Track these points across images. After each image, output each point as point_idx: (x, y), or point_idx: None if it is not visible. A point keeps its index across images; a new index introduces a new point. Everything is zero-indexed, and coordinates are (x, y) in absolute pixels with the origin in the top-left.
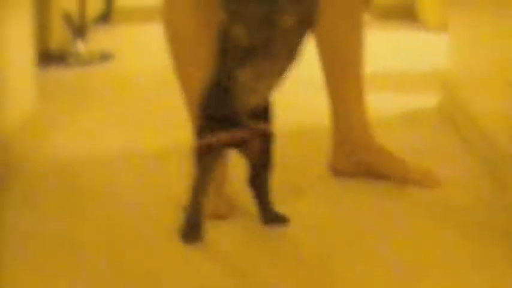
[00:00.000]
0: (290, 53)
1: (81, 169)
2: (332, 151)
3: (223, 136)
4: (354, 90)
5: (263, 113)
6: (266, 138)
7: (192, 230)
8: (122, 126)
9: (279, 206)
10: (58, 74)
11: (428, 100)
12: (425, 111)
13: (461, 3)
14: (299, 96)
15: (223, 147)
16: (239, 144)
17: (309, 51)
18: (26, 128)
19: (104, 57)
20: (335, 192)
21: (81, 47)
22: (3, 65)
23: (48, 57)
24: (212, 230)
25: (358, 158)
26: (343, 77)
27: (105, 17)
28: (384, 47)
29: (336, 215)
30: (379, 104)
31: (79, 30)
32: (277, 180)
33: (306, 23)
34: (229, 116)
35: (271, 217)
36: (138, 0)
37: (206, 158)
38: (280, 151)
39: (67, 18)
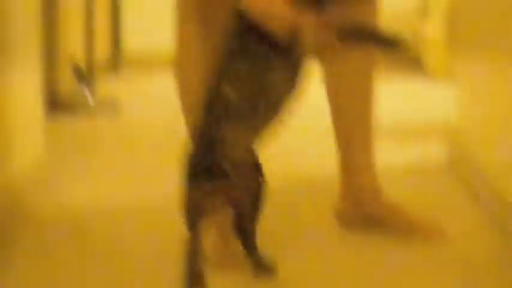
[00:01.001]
0: (276, 108)
1: (88, 220)
2: (339, 200)
3: (208, 188)
4: (364, 140)
5: (250, 165)
6: (254, 188)
7: (194, 282)
8: (129, 177)
9: (283, 255)
10: (66, 123)
11: (436, 151)
12: (433, 162)
13: (467, 52)
14: (305, 143)
15: (210, 199)
16: (224, 196)
17: (315, 98)
18: (34, 178)
19: (112, 106)
20: (340, 243)
21: (89, 96)
22: (12, 114)
23: (57, 106)
24: (218, 280)
25: (366, 209)
26: (354, 126)
27: (113, 65)
28: (391, 97)
29: (340, 268)
30: (387, 155)
31: (87, 79)
32: (282, 229)
33: (294, 81)
34: (214, 169)
35: (257, 265)
36: (146, 48)
37: (195, 211)
38: (286, 199)
39: (75, 67)
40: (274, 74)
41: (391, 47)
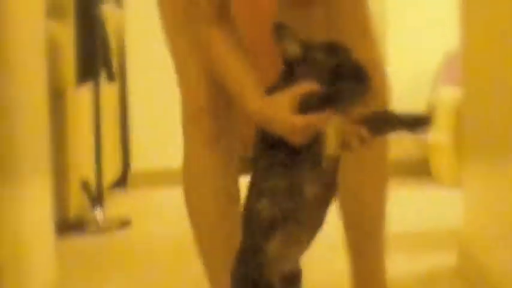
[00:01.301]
0: (316, 219)
1: None
2: None
3: None
4: (377, 251)
5: (295, 278)
6: None
7: None
8: None
9: None
10: (77, 242)
11: (445, 259)
12: (441, 271)
13: (474, 159)
14: (316, 257)
15: None
16: None
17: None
18: None
19: (122, 223)
20: None
21: (99, 214)
22: (23, 235)
23: (67, 225)
24: None
25: None
26: (367, 238)
27: (122, 182)
28: (398, 204)
29: None
30: (395, 264)
31: (97, 197)
32: None
33: (329, 190)
34: (262, 285)
35: None
36: (154, 165)
37: None
38: None
39: (85, 186)
40: (308, 183)
41: (417, 126)
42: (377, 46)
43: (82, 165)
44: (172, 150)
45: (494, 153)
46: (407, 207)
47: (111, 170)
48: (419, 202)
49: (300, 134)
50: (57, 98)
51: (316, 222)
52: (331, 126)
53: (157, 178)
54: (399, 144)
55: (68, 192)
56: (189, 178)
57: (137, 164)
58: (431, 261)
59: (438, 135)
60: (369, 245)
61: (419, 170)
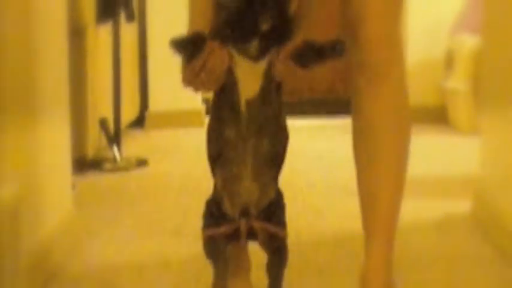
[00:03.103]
0: (251, 156)
1: (117, 276)
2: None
3: (218, 230)
4: (392, 197)
5: (266, 214)
6: (272, 238)
7: None
8: (157, 232)
9: None
10: (94, 180)
11: (461, 205)
12: (457, 216)
13: (493, 106)
14: (331, 201)
15: (224, 239)
16: (237, 238)
17: (341, 157)
18: (63, 235)
19: (139, 163)
20: None
21: (116, 153)
22: (41, 172)
23: (84, 163)
24: None
25: None
26: (383, 179)
27: (140, 122)
28: (415, 151)
29: None
30: (411, 209)
31: (114, 136)
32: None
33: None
34: (220, 213)
35: None
36: (171, 106)
37: (212, 248)
38: (314, 257)
39: (103, 124)
40: (227, 127)
41: (335, 52)
42: (398, 22)
43: (100, 104)
44: (189, 92)
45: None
46: (424, 154)
47: (129, 110)
48: (437, 149)
49: (193, 82)
50: (76, 37)
51: (253, 160)
52: (240, 70)
53: (175, 119)
54: (417, 91)
55: (86, 130)
56: None
57: (155, 104)
58: (447, 206)
59: (456, 82)
60: (383, 187)
61: (437, 117)
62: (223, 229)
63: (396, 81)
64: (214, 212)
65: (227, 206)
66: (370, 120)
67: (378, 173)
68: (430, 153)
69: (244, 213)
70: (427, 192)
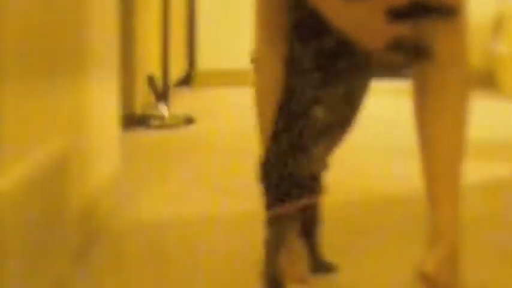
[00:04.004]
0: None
1: (163, 232)
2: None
3: (291, 207)
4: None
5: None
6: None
7: (272, 286)
8: (204, 189)
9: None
10: (141, 136)
11: (507, 168)
12: (503, 179)
13: None
14: (372, 162)
15: (293, 216)
16: (305, 212)
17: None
18: (110, 190)
19: (187, 120)
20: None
21: (164, 110)
22: (90, 127)
23: (132, 120)
24: None
25: None
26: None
27: (187, 80)
28: None
29: (397, 278)
30: None
31: (162, 93)
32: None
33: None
34: (296, 186)
35: (319, 266)
36: (219, 65)
37: (278, 225)
38: (361, 219)
39: (151, 81)
40: (361, 91)
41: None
42: None
43: (149, 60)
44: (237, 51)
45: None
46: (471, 118)
47: (177, 68)
48: (483, 112)
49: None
50: None
51: (353, 123)
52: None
53: (222, 78)
54: None
55: (134, 86)
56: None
57: (203, 62)
58: (493, 169)
59: (505, 47)
60: (443, 149)
61: (484, 80)
62: (295, 206)
63: (463, 27)
64: (282, 186)
65: (306, 178)
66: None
67: (445, 127)
68: (476, 117)
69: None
70: (473, 155)
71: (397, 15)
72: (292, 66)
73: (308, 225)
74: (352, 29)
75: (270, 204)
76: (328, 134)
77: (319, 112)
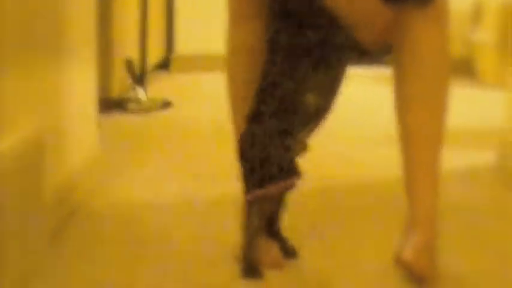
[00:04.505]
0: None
1: (139, 215)
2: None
3: (273, 189)
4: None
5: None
6: None
7: (251, 269)
8: (180, 173)
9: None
10: (118, 120)
11: (485, 157)
12: (481, 168)
13: None
14: (361, 150)
15: (273, 198)
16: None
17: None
18: (87, 173)
19: (164, 104)
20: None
21: (141, 94)
22: (67, 110)
23: (109, 103)
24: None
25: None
26: (422, 150)
27: (165, 64)
28: None
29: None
30: None
31: (140, 77)
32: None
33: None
34: (279, 169)
35: (287, 250)
36: (197, 50)
37: (259, 208)
38: (342, 203)
39: (129, 65)
40: (343, 77)
41: None
42: None
43: (126, 44)
44: (216, 36)
45: None
46: (451, 106)
47: (155, 52)
48: (462, 100)
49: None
50: None
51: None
52: None
53: (200, 63)
54: None
55: (112, 70)
56: (232, 56)
57: (181, 47)
58: (473, 159)
59: (483, 35)
60: (429, 126)
61: (463, 69)
62: (277, 187)
63: (442, 16)
64: (265, 168)
65: (291, 161)
66: (417, 48)
67: (425, 110)
68: (455, 106)
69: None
70: (452, 144)
71: None
72: (273, 47)
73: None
74: (348, 12)
75: (251, 186)
76: (315, 119)
77: (310, 98)
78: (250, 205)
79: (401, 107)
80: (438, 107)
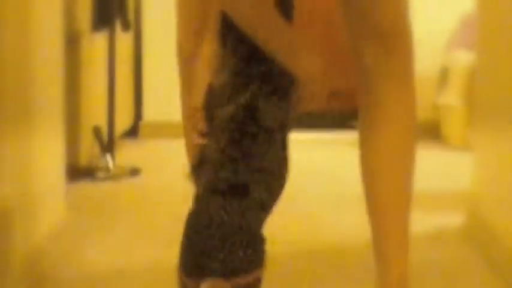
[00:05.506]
0: None
1: (107, 283)
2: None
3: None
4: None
5: None
6: None
7: None
8: (149, 241)
9: None
10: (87, 188)
11: (453, 219)
12: (449, 230)
13: (485, 123)
14: (330, 213)
15: None
16: None
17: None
18: (55, 241)
19: (132, 172)
20: None
21: (110, 161)
22: (35, 178)
23: (77, 171)
24: None
25: None
26: (390, 211)
27: (133, 131)
28: None
29: None
30: None
31: (108, 145)
32: None
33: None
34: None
35: None
36: (165, 116)
37: None
38: (308, 267)
39: (96, 132)
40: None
41: None
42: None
43: (94, 112)
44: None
45: (504, 117)
46: (417, 168)
47: (123, 119)
48: (430, 163)
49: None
50: (72, 45)
51: None
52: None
53: (169, 130)
54: None
55: (80, 138)
56: None
57: (149, 114)
58: (440, 221)
59: (450, 98)
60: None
61: (430, 132)
62: None
63: (407, 54)
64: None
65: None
66: (380, 106)
67: (390, 172)
68: (423, 168)
69: None
70: (420, 206)
71: None
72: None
73: None
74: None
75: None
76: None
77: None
78: None
79: (368, 173)
80: (405, 170)
